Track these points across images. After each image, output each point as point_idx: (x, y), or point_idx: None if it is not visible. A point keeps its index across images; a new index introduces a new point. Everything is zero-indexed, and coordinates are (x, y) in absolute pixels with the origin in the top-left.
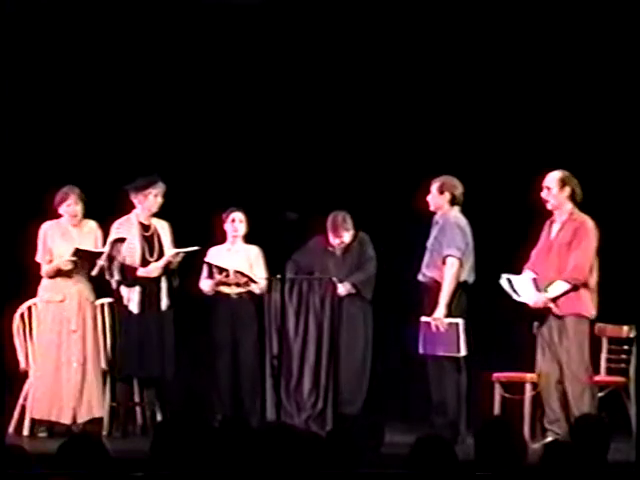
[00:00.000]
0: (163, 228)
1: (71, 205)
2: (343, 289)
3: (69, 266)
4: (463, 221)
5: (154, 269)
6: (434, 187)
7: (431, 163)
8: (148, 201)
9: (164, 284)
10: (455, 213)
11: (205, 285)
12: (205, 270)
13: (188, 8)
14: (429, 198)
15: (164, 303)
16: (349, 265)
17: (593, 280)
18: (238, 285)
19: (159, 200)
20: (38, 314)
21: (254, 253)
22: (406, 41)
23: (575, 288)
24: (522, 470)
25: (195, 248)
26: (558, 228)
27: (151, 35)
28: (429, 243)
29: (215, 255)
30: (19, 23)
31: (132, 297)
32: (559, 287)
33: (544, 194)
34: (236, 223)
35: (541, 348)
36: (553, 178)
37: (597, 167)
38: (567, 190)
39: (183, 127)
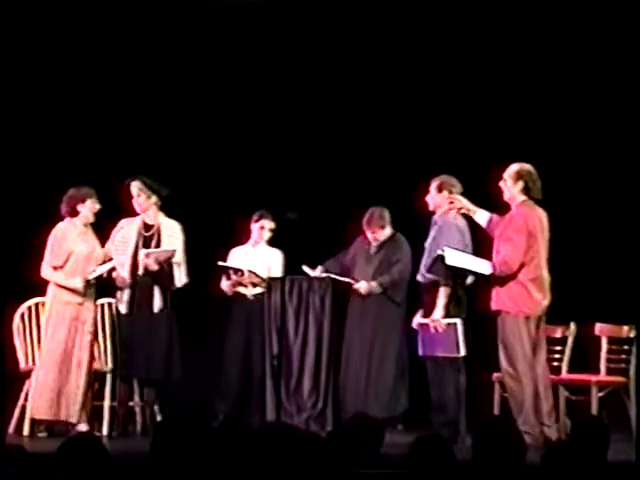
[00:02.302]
0: (169, 228)
1: (95, 203)
2: (365, 288)
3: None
4: (462, 222)
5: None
6: (432, 186)
7: (430, 163)
8: (133, 202)
9: (157, 286)
10: (453, 213)
11: (224, 286)
12: (225, 272)
13: (194, 10)
14: (428, 198)
15: (157, 305)
16: (377, 265)
17: (528, 276)
18: (255, 285)
19: (140, 200)
20: (52, 315)
21: (274, 256)
22: (406, 46)
23: (501, 281)
24: (522, 470)
25: (171, 249)
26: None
27: (162, 38)
28: (427, 244)
29: (233, 257)
30: (22, 25)
31: (122, 298)
32: (483, 266)
33: (501, 183)
34: (265, 231)
35: None
36: (510, 170)
37: (597, 168)
38: (520, 184)
39: (199, 130)
